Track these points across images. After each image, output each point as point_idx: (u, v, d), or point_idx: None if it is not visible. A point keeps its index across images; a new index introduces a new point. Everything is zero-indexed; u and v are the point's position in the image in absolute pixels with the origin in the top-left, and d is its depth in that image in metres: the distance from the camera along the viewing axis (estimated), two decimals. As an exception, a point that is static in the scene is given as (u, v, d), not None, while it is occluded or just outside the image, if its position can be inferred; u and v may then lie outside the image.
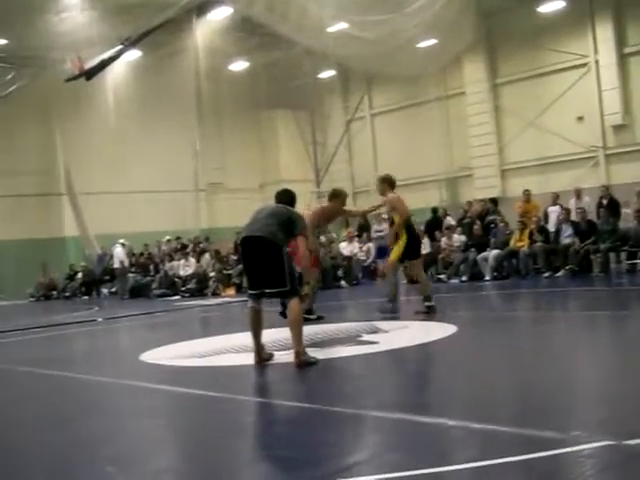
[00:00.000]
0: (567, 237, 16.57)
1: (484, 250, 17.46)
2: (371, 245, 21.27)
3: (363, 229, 22.95)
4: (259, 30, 24.82)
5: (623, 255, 16.56)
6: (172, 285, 22.03)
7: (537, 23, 24.14)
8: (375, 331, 9.02)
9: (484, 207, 20.20)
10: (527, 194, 19.00)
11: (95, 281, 25.43)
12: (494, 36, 26.13)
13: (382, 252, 21.38)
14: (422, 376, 6.76)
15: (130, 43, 21.59)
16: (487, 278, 16.94)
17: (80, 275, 25.87)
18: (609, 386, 5.58)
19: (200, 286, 21.32)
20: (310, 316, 10.61)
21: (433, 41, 24.46)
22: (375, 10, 21.21)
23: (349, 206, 11.35)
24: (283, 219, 7.24)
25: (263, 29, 24.11)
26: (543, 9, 23.94)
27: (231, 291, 20.39)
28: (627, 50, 23.36)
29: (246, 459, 4.46)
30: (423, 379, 6.56)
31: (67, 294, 25.72)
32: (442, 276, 17.99)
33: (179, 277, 21.98)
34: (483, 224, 18.60)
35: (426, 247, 18.83)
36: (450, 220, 20.15)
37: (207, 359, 8.08)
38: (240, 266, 20.10)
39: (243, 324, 7.89)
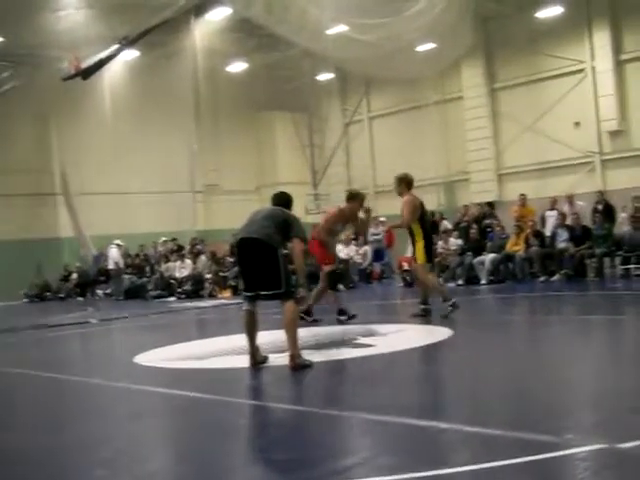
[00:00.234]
0: (562, 242, 16.60)
1: (480, 254, 17.48)
2: (368, 248, 21.29)
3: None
4: (258, 31, 24.81)
5: (618, 260, 16.59)
6: (168, 287, 21.99)
7: (535, 29, 24.18)
8: (371, 334, 9.02)
9: (481, 211, 20.23)
10: (523, 198, 19.03)
11: (90, 282, 25.37)
12: (492, 41, 26.18)
13: (379, 255, 21.47)
14: (417, 379, 6.75)
15: (127, 43, 21.54)
16: (483, 282, 16.95)
17: (75, 276, 25.81)
18: (603, 389, 5.58)
19: (196, 288, 21.29)
20: (341, 317, 10.65)
21: (432, 45, 24.49)
22: (374, 13, 21.21)
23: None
24: (279, 221, 7.24)
25: (262, 30, 24.09)
26: (541, 15, 23.98)
27: (227, 293, 20.37)
28: (623, 57, 23.42)
29: (240, 462, 4.45)
30: (418, 382, 6.55)
31: (61, 295, 25.67)
32: (439, 280, 17.97)
33: (175, 279, 21.94)
34: (480, 228, 18.61)
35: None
36: (447, 224, 20.17)
37: (202, 361, 8.06)
38: (236, 268, 20.11)
39: (239, 326, 7.88)
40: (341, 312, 10.72)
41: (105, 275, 24.45)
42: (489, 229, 18.64)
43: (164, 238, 24.62)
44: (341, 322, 10.54)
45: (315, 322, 10.64)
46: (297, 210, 8.27)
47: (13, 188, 25.76)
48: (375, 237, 21.72)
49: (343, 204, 10.97)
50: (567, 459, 3.84)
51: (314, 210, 29.15)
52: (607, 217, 17.16)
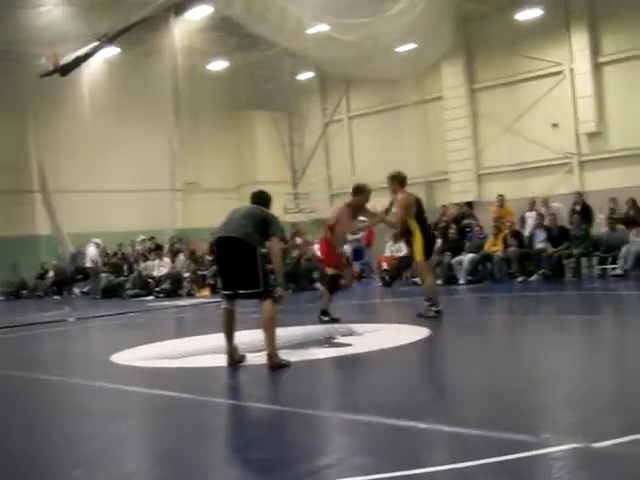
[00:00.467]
0: (540, 242, 16.71)
1: (459, 254, 17.55)
2: (347, 247, 21.26)
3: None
4: (238, 30, 24.72)
5: (595, 260, 16.73)
6: (146, 285, 21.88)
7: (514, 30, 24.30)
8: (349, 333, 9.01)
9: (460, 211, 20.31)
10: (501, 199, 19.13)
11: (67, 280, 25.18)
12: (472, 42, 26.28)
13: (358, 255, 21.46)
14: (394, 379, 6.75)
15: (107, 40, 21.41)
16: (461, 282, 17.02)
17: (51, 274, 25.61)
18: (579, 389, 5.62)
19: (174, 287, 21.19)
20: (324, 318, 10.57)
21: (412, 45, 24.55)
22: (355, 13, 21.22)
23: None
24: (258, 220, 7.22)
25: (242, 29, 24.01)
26: (520, 17, 24.11)
27: (205, 292, 20.30)
28: (601, 59, 23.59)
29: (217, 462, 4.44)
30: (395, 382, 6.55)
31: (38, 293, 25.46)
32: (417, 279, 18.01)
33: (153, 277, 21.82)
34: (458, 228, 18.68)
35: (402, 250, 18.90)
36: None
37: (180, 360, 8.02)
38: (215, 267, 20.05)
39: (217, 325, 7.85)
40: (324, 312, 10.67)
41: (82, 273, 24.28)
42: (468, 229, 18.72)
43: (142, 237, 24.48)
44: (322, 322, 10.54)
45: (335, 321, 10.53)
46: (276, 209, 8.25)
47: (-11, 185, 25.51)
48: (354, 236, 21.70)
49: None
50: (543, 458, 3.86)
51: (293, 209, 29.15)
52: (585, 218, 17.29)
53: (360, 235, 21.57)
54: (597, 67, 23.61)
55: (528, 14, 23.92)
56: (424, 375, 6.92)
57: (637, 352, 7.19)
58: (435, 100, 27.23)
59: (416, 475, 3.71)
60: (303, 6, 20.95)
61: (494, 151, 25.85)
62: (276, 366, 6.90)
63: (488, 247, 17.39)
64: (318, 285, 19.52)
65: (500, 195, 19.33)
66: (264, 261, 7.13)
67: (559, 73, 24.37)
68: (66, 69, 21.01)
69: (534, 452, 3.89)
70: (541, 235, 16.81)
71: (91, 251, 23.27)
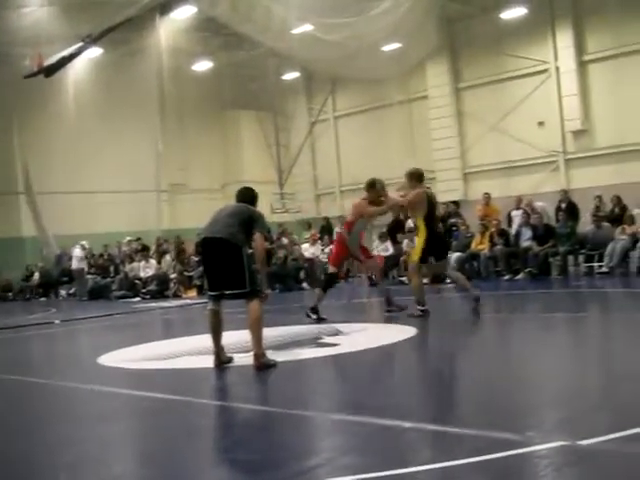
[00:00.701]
0: (526, 240, 16.76)
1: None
2: (333, 247, 21.26)
3: (325, 231, 22.98)
4: (223, 30, 24.70)
5: (581, 258, 16.80)
6: (132, 287, 21.80)
7: (499, 29, 24.38)
8: (336, 333, 9.00)
9: (446, 210, 20.33)
10: (487, 197, 19.17)
11: (53, 282, 25.05)
12: (457, 41, 26.34)
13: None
14: (380, 378, 6.75)
15: (91, 40, 21.33)
16: (448, 280, 17.02)
17: (37, 276, 25.47)
18: (566, 387, 5.64)
19: (161, 288, 21.12)
20: (312, 315, 10.66)
21: (397, 45, 24.58)
22: (340, 13, 21.24)
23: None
24: (244, 218, 7.18)
25: (227, 29, 24.00)
26: (505, 16, 24.19)
27: (192, 293, 20.24)
28: (586, 57, 23.71)
29: (204, 463, 4.41)
30: (381, 381, 6.55)
31: (24, 296, 25.31)
32: (404, 278, 18.04)
33: (139, 279, 21.74)
34: (445, 227, 18.70)
35: (388, 249, 18.93)
36: (411, 223, 20.23)
37: (166, 362, 7.99)
38: (201, 268, 19.99)
39: (203, 326, 7.83)
40: (314, 310, 10.70)
41: (68, 275, 24.17)
42: (454, 228, 18.74)
43: (129, 238, 24.39)
44: (309, 318, 10.56)
45: (401, 309, 10.58)
46: (263, 209, 8.20)
47: (-27, 187, 25.38)
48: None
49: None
50: (529, 457, 3.86)
51: (280, 209, 29.13)
52: (571, 216, 17.36)
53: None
54: (582, 65, 23.73)
55: (513, 13, 24.01)
56: (410, 374, 6.92)
57: (623, 350, 7.22)
58: (420, 99, 27.29)
59: (403, 474, 3.71)
60: (288, 6, 20.95)
61: (480, 150, 25.93)
62: (263, 366, 6.88)
63: (475, 246, 17.43)
64: (305, 285, 19.55)
65: (486, 193, 19.38)
66: (250, 261, 7.11)
67: (544, 71, 24.47)
68: (50, 70, 20.90)
69: (520, 450, 3.90)
70: (527, 233, 16.87)
71: (77, 253, 23.14)
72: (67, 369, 8.70)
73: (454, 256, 17.33)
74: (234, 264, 6.99)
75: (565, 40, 23.82)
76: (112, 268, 23.54)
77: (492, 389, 5.75)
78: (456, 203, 21.17)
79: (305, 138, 31.14)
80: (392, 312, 10.64)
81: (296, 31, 22.34)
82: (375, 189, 10.72)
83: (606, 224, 16.55)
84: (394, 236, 19.35)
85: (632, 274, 15.16)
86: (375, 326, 9.99)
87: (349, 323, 9.97)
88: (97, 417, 5.81)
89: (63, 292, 24.63)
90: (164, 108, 28.06)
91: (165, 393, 6.38)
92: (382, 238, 19.13)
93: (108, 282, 22.90)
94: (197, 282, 20.16)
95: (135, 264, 22.29)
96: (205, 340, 7.61)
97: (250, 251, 7.24)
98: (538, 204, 18.37)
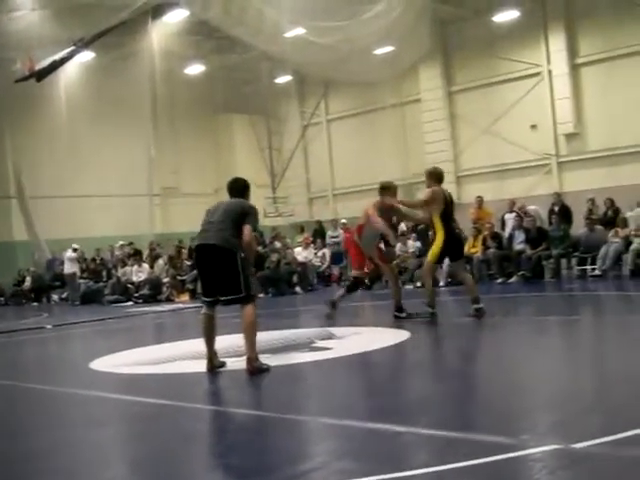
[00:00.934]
0: (519, 243, 16.76)
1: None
2: (326, 251, 21.27)
3: (317, 235, 22.96)
4: (215, 33, 24.70)
5: (574, 261, 16.81)
6: (125, 291, 21.72)
7: (492, 33, 24.45)
8: (329, 337, 8.98)
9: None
10: (479, 200, 19.16)
11: (45, 287, 24.95)
12: (450, 44, 26.40)
13: (337, 258, 21.46)
14: (373, 382, 6.74)
15: (83, 44, 21.27)
16: (441, 284, 17.02)
17: (29, 280, 25.36)
18: (559, 390, 5.62)
19: (153, 292, 21.05)
20: (400, 314, 10.48)
21: (390, 48, 24.60)
22: (332, 16, 21.24)
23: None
24: (236, 216, 7.09)
25: (219, 32, 23.98)
26: (498, 19, 24.25)
27: (185, 297, 20.18)
28: (579, 60, 23.80)
29: (197, 468, 4.39)
30: (374, 385, 6.54)
31: (16, 300, 25.19)
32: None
33: (132, 283, 21.66)
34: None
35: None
36: (403, 226, 20.23)
37: (159, 366, 7.95)
38: (194, 272, 19.93)
39: (196, 330, 7.80)
40: (333, 304, 10.68)
41: (60, 280, 24.07)
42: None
43: (121, 242, 24.30)
44: (330, 317, 10.52)
45: (410, 316, 10.43)
46: (256, 202, 8.11)
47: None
48: (334, 240, 21.72)
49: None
50: (523, 460, 3.85)
51: (272, 213, 29.09)
52: (564, 218, 17.38)
53: (340, 239, 21.64)
54: (575, 68, 23.81)
55: (505, 16, 24.07)
56: (403, 378, 6.90)
57: (616, 352, 7.22)
58: (413, 102, 27.33)
59: (397, 478, 3.69)
60: (280, 9, 20.94)
61: (473, 153, 25.98)
62: (256, 370, 6.85)
63: (467, 249, 17.40)
64: (298, 289, 19.52)
65: (479, 196, 19.38)
66: (245, 265, 7.07)
67: (537, 75, 24.55)
68: (42, 74, 20.84)
69: (513, 454, 3.89)
70: (520, 236, 16.87)
71: (69, 255, 23.01)
72: (59, 374, 8.65)
73: (447, 259, 17.30)
74: (229, 270, 6.95)
75: (557, 43, 23.90)
76: (104, 272, 23.46)
77: (485, 392, 5.74)
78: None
79: (298, 141, 31.14)
80: (401, 317, 10.44)
81: (288, 34, 22.33)
82: (388, 192, 10.62)
83: (599, 227, 16.57)
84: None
85: (625, 277, 15.18)
86: (368, 330, 9.97)
87: (342, 327, 9.95)
88: (89, 422, 5.77)
89: (55, 297, 24.53)
90: (156, 112, 28.01)
91: (157, 398, 6.35)
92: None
93: (100, 286, 22.81)
94: (190, 286, 20.10)
95: (127, 268, 22.22)
96: (198, 344, 7.57)
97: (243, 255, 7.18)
98: (531, 207, 18.39)
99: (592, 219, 16.90)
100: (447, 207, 10.00)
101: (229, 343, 7.96)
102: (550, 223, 17.46)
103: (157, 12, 23.94)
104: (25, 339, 13.11)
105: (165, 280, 21.28)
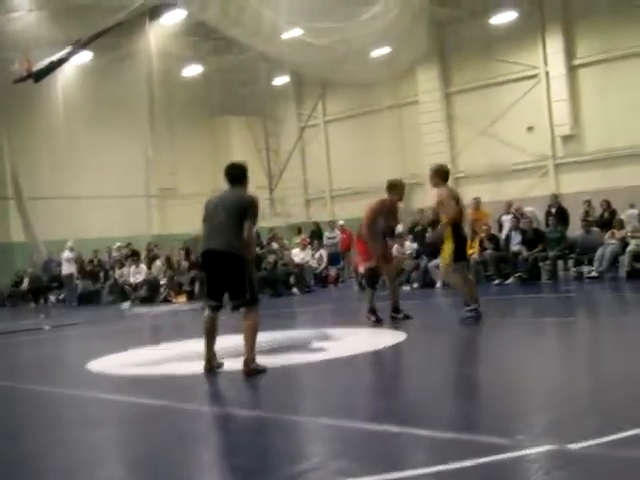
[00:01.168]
0: (516, 245, 16.78)
1: (435, 257, 17.55)
2: (323, 252, 21.29)
3: (315, 236, 22.96)
4: (213, 35, 24.72)
5: (571, 263, 16.83)
6: (122, 292, 21.70)
7: (489, 34, 24.47)
8: (325, 338, 8.98)
9: (436, 215, 20.30)
10: (476, 201, 19.13)
11: (42, 288, 24.92)
12: (447, 46, 26.41)
13: (334, 259, 21.49)
14: (371, 383, 6.75)
15: (80, 45, 21.23)
16: (438, 285, 17.03)
17: (26, 282, 25.33)
18: (555, 391, 5.64)
19: (151, 293, 21.04)
20: (397, 315, 10.40)
21: (387, 50, 24.62)
22: (330, 18, 21.27)
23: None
24: (237, 216, 7.00)
25: (217, 33, 24.00)
26: (495, 21, 24.26)
27: (182, 298, 20.17)
28: (576, 62, 23.82)
29: (194, 468, 4.39)
30: (372, 386, 6.55)
31: (14, 301, 25.16)
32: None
33: (129, 284, 21.64)
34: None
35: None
36: (400, 227, 20.23)
37: (156, 367, 7.95)
38: (191, 273, 19.95)
39: (194, 331, 7.81)
40: (372, 311, 10.40)
41: (58, 281, 24.05)
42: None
43: (119, 243, 24.28)
44: (369, 320, 10.35)
45: (407, 318, 10.32)
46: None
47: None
48: (331, 241, 21.74)
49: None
50: (519, 460, 3.87)
51: (270, 214, 29.09)
52: (560, 220, 17.39)
53: (337, 240, 21.65)
54: (572, 70, 23.84)
55: (502, 18, 24.08)
56: (399, 379, 6.92)
57: (612, 354, 7.23)
58: (411, 104, 27.33)
59: (394, 478, 3.70)
60: (278, 10, 20.95)
61: (470, 155, 25.99)
62: (253, 372, 6.86)
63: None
64: (295, 290, 19.52)
65: (475, 198, 19.36)
66: (250, 269, 7.08)
67: (534, 76, 24.57)
68: (39, 75, 20.79)
69: (509, 454, 3.91)
70: (517, 238, 16.89)
71: (66, 255, 22.91)
72: (56, 375, 8.65)
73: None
74: (234, 274, 6.97)
75: (555, 45, 23.92)
76: (102, 274, 23.44)
77: (481, 393, 5.76)
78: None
79: (295, 143, 31.13)
80: (398, 319, 10.37)
81: (286, 35, 22.35)
82: (395, 192, 10.52)
83: (595, 229, 16.59)
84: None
85: (621, 279, 15.19)
86: (364, 331, 9.98)
87: (338, 328, 9.96)
88: (86, 423, 5.78)
89: (52, 298, 24.50)
90: (154, 113, 28.00)
91: (155, 399, 6.36)
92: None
93: (98, 288, 22.80)
94: (187, 288, 20.10)
95: (125, 269, 22.21)
96: (195, 345, 7.57)
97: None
98: (528, 209, 18.40)
99: (588, 221, 16.92)
100: (459, 206, 9.86)
101: (227, 344, 7.95)
102: (547, 225, 17.47)
103: (154, 13, 23.96)
104: (23, 340, 13.11)
105: (162, 281, 21.27)
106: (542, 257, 16.33)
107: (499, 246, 17.12)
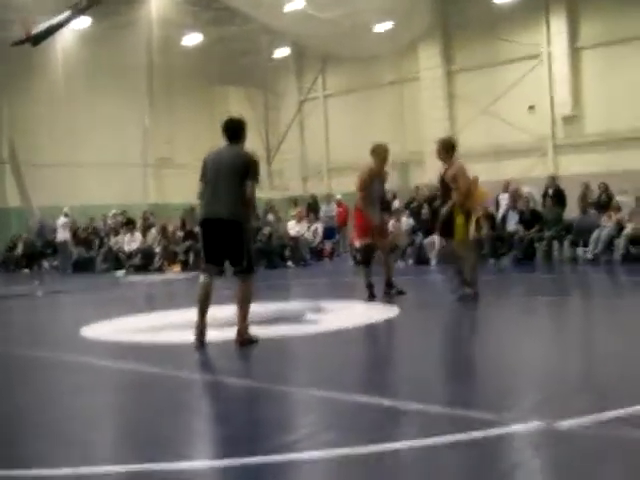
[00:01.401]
0: (512, 224, 16.78)
1: (431, 234, 17.55)
2: (319, 226, 21.26)
3: (311, 209, 22.93)
4: (214, 4, 24.45)
5: (566, 244, 16.83)
6: (116, 260, 21.68)
7: (493, 13, 24.31)
8: (319, 310, 8.99)
9: (432, 192, 20.29)
10: (475, 180, 19.07)
11: (37, 254, 24.84)
12: (450, 24, 26.21)
13: (330, 233, 21.48)
14: (363, 356, 6.77)
15: (79, 9, 20.95)
16: (433, 262, 17.06)
17: (20, 247, 25.23)
18: (546, 369, 5.66)
19: (145, 262, 21.01)
20: (390, 290, 10.33)
21: (390, 24, 24.43)
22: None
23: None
24: (240, 174, 6.88)
25: (218, 3, 23.76)
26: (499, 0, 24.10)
27: (177, 268, 20.15)
28: (579, 44, 23.69)
29: (184, 436, 4.41)
30: (364, 359, 6.57)
31: (8, 267, 25.10)
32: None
33: (124, 252, 21.61)
34: (431, 209, 18.67)
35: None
36: (396, 203, 20.25)
37: (148, 335, 7.97)
38: (186, 243, 19.91)
39: (187, 300, 7.80)
40: (369, 286, 10.24)
41: (52, 247, 23.97)
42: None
43: (114, 211, 24.19)
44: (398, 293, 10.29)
45: (400, 294, 10.27)
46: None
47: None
48: (327, 215, 21.71)
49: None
50: (507, 436, 3.90)
51: (267, 187, 29.00)
52: (558, 201, 17.38)
53: (334, 213, 21.63)
54: (575, 51, 23.72)
55: (506, -4, 23.89)
56: (391, 353, 6.94)
57: (603, 334, 7.26)
58: (412, 81, 27.16)
59: (382, 451, 3.72)
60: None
61: (470, 133, 25.85)
62: (245, 342, 6.87)
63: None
64: (290, 263, 19.52)
65: (474, 177, 19.30)
66: (249, 237, 7.07)
67: (537, 56, 24.44)
68: (38, 39, 20.52)
69: (498, 430, 3.93)
70: (514, 217, 16.88)
71: (61, 221, 22.80)
72: (49, 340, 8.66)
73: (439, 238, 17.32)
74: (233, 241, 6.93)
75: (558, 26, 23.77)
76: (97, 241, 23.39)
77: (472, 370, 5.78)
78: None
79: (294, 116, 30.98)
80: (391, 294, 10.31)
81: (288, 7, 22.14)
82: (376, 155, 10.35)
83: (592, 211, 16.58)
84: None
85: (616, 262, 15.21)
86: (359, 305, 9.99)
87: (332, 301, 9.97)
88: (78, 389, 5.79)
89: (46, 264, 24.43)
90: (152, 82, 27.81)
91: (147, 366, 6.37)
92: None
93: (92, 255, 22.76)
94: (182, 257, 20.08)
95: (120, 237, 22.16)
96: (188, 314, 7.57)
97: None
98: (525, 189, 18.37)
99: (586, 202, 16.91)
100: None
101: (220, 314, 7.95)
102: (544, 206, 17.46)
103: (156, -20, 23.70)
104: (16, 305, 13.11)
105: (157, 250, 21.23)
106: (538, 237, 16.33)
107: (495, 225, 17.11)
